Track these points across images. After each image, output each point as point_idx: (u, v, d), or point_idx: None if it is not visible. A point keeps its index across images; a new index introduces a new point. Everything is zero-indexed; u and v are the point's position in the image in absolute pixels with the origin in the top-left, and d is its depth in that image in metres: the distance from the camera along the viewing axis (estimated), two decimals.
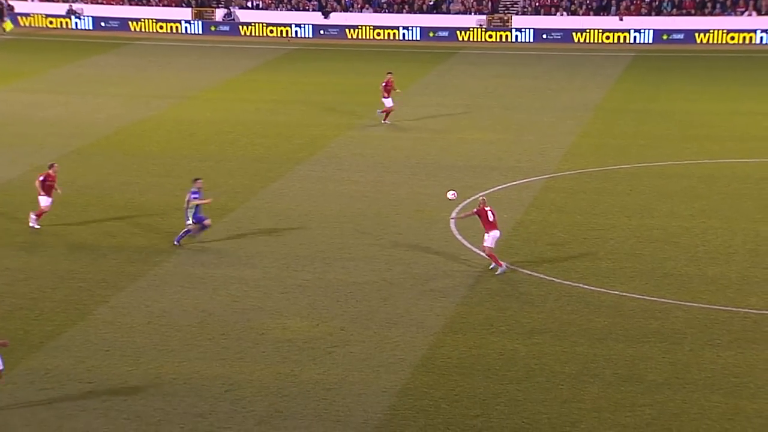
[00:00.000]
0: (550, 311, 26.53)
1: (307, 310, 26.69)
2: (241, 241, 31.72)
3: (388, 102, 45.61)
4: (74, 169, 39.27)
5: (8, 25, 68.37)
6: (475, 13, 70.33)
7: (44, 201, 32.58)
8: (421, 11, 71.75)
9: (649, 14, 68.94)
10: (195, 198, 30.81)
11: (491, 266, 28.93)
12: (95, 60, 61.81)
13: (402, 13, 71.76)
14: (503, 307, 26.77)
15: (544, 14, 70.35)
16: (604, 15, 69.39)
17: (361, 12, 72.27)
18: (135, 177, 38.33)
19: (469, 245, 30.98)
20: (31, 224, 32.53)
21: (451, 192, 30.23)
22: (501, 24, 69.14)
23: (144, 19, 71.76)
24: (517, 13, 70.13)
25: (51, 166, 32.89)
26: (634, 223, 33.01)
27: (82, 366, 23.75)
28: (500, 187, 36.85)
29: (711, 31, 65.91)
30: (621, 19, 68.02)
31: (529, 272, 28.97)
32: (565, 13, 69.96)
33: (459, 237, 31.70)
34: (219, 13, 72.80)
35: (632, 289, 27.77)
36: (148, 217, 33.82)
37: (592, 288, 27.89)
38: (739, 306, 26.72)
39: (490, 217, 28.65)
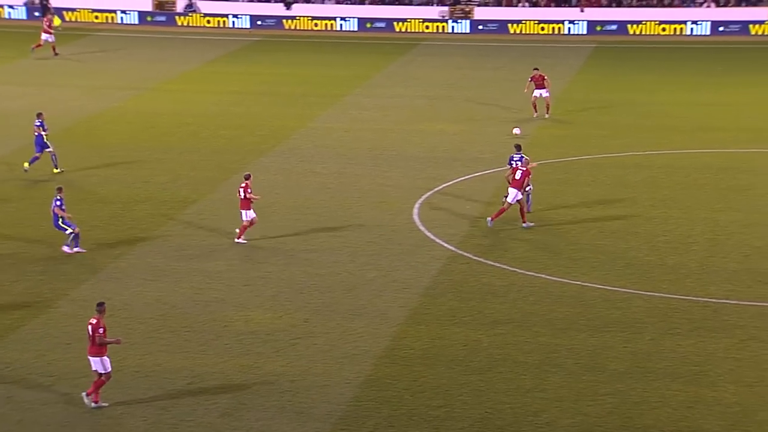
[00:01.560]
0: (512, 301, 26.66)
1: (271, 302, 26.66)
2: (204, 233, 31.58)
3: (537, 93, 44.86)
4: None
5: (57, 20, 67.67)
6: (438, 4, 70.34)
7: (247, 215, 30.17)
8: (383, 2, 71.60)
9: (609, 5, 69.37)
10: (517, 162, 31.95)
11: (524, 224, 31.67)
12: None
13: (363, 4, 71.60)
14: (466, 298, 26.86)
15: (506, 5, 70.54)
16: (565, 6, 69.72)
17: (324, 3, 72.05)
18: (96, 169, 38.07)
19: (432, 236, 31.06)
20: (237, 240, 30.39)
21: (517, 128, 35.74)
22: (463, 15, 69.23)
23: (79, 9, 70.49)
24: (479, 5, 70.23)
25: (248, 177, 30.39)
26: (596, 214, 33.22)
27: (43, 359, 23.59)
28: (463, 178, 36.94)
29: (644, 22, 66.69)
30: (582, 11, 68.34)
31: (491, 263, 29.09)
32: (527, 4, 70.19)
33: (422, 228, 31.77)
34: (180, 4, 72.27)
35: (594, 279, 27.96)
36: (109, 209, 33.60)
37: (555, 278, 28.05)
38: (699, 295, 26.99)
39: (517, 176, 31.05)
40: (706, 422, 21.09)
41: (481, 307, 26.30)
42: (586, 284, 27.68)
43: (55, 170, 36.87)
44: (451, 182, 36.31)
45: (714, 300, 26.73)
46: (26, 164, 36.86)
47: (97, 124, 44.79)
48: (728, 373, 23.01)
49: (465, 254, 29.78)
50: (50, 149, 36.95)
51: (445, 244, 30.47)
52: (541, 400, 21.83)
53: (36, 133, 37.00)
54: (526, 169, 31.28)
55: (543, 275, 28.25)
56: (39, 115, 37.43)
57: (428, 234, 31.22)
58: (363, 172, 37.79)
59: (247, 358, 23.65)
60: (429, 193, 34.57)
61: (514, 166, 31.92)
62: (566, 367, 23.27)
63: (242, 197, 30.21)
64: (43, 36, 58.79)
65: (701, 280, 28.03)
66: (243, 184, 30.32)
